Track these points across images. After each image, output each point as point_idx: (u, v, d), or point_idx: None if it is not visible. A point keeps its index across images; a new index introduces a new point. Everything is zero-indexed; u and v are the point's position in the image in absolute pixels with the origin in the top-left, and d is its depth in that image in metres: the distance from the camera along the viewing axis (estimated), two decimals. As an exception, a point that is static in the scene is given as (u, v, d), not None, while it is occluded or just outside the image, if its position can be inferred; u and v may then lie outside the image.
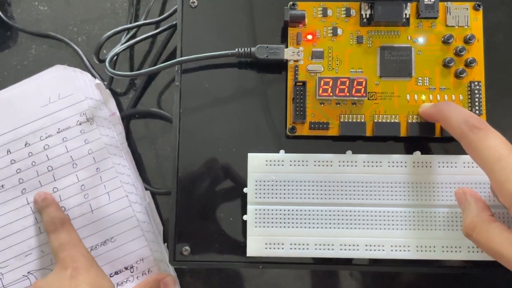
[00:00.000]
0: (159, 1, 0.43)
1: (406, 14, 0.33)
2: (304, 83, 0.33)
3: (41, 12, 0.44)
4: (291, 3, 0.34)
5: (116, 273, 0.39)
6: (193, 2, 0.35)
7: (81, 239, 0.37)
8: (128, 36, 0.41)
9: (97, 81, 0.41)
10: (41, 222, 0.38)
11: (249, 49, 0.33)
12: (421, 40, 0.34)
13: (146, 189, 0.41)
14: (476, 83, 0.33)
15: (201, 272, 0.40)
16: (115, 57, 0.39)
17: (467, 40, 0.33)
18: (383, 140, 0.34)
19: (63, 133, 0.40)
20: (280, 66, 0.34)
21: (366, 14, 0.34)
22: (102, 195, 0.39)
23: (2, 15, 0.44)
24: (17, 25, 0.44)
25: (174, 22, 0.39)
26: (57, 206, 0.38)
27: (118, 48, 0.38)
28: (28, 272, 0.38)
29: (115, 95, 0.43)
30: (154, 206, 0.41)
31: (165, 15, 0.40)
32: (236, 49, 0.34)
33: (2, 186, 0.39)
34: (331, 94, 0.32)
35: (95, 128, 0.40)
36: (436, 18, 0.34)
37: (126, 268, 0.39)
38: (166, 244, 0.40)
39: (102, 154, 0.40)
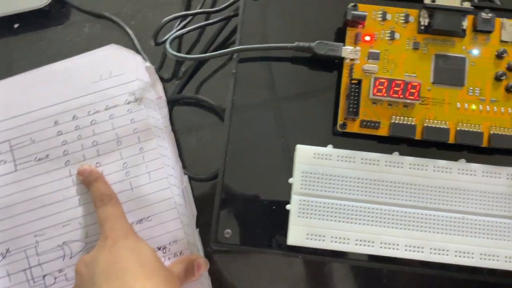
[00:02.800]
0: (214, -8, 0.45)
1: (463, 26, 0.34)
2: (359, 81, 0.34)
3: (97, -8, 0.46)
4: (352, 3, 0.35)
5: (150, 252, 0.39)
6: (256, -5, 0.37)
7: (124, 212, 0.38)
8: (184, 23, 0.42)
9: (148, 64, 0.42)
10: (81, 195, 0.39)
11: (308, 44, 0.34)
12: (475, 52, 0.35)
13: (185, 173, 0.42)
14: (526, 98, 0.34)
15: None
16: (172, 41, 0.40)
17: (520, 56, 0.34)
18: (430, 145, 0.34)
19: (111, 110, 0.40)
20: (335, 64, 0.35)
21: (424, 22, 0.35)
22: (143, 175, 0.40)
23: (59, -8, 0.45)
24: (72, 2, 0.45)
25: (232, 13, 0.40)
26: (104, 180, 0.38)
27: (178, 32, 0.39)
28: (63, 243, 0.39)
29: (161, 80, 0.44)
30: (191, 191, 0.42)
31: (225, 4, 0.41)
32: (296, 43, 0.35)
33: (47, 156, 0.40)
34: (385, 94, 0.33)
35: (142, 109, 0.41)
36: (491, 32, 0.35)
37: (159, 248, 0.39)
38: (198, 229, 0.41)
39: (147, 134, 0.40)
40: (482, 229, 0.33)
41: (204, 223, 0.41)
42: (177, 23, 0.43)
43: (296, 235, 0.33)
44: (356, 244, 0.33)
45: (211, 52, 0.43)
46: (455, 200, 0.33)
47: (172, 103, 0.43)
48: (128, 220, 0.39)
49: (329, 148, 0.34)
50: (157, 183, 0.40)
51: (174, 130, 0.43)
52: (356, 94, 0.34)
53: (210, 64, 0.44)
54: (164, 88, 0.44)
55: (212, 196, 0.41)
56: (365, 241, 0.33)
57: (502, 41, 0.35)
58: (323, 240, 0.33)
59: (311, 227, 0.33)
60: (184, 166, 0.42)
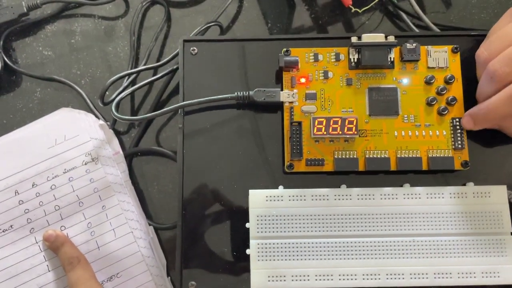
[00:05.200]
0: (158, 45, 0.46)
1: (390, 58, 0.36)
2: (299, 123, 0.35)
3: (45, 56, 0.47)
4: (284, 49, 0.37)
5: (122, 308, 0.40)
6: (193, 50, 0.38)
7: (94, 273, 0.38)
8: (130, 79, 0.43)
9: (101, 122, 0.43)
10: (49, 260, 0.40)
11: (247, 92, 0.36)
12: (405, 81, 0.37)
13: (149, 224, 0.43)
14: (458, 119, 0.36)
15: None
16: (118, 102, 0.41)
17: (447, 80, 0.36)
18: (375, 174, 0.36)
19: (69, 173, 0.41)
20: (277, 107, 0.37)
21: (354, 59, 0.36)
22: (108, 232, 0.41)
23: (7, 60, 0.46)
24: (21, 69, 0.46)
25: (175, 67, 0.42)
26: (71, 243, 0.39)
27: (123, 93, 0.40)
28: (36, 310, 0.39)
29: (118, 134, 0.45)
30: (158, 240, 0.43)
31: (165, 60, 0.42)
32: (236, 93, 0.36)
33: (11, 226, 0.40)
34: (325, 132, 0.35)
35: (100, 168, 0.42)
36: (418, 60, 0.37)
37: (132, 303, 0.40)
38: (169, 277, 0.41)
39: (107, 192, 0.41)
40: (433, 249, 0.34)
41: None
42: (125, 80, 0.44)
43: (258, 279, 0.34)
44: (316, 280, 0.34)
45: (161, 103, 0.44)
46: (404, 224, 0.35)
47: (130, 156, 0.44)
48: (98, 278, 0.40)
49: (280, 190, 0.35)
50: (123, 238, 0.41)
51: (135, 181, 0.44)
52: (298, 135, 0.35)
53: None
54: (122, 141, 0.45)
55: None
56: (324, 275, 0.34)
57: (429, 68, 0.37)
58: (284, 280, 0.34)
59: (272, 269, 0.34)
60: (149, 217, 0.43)
